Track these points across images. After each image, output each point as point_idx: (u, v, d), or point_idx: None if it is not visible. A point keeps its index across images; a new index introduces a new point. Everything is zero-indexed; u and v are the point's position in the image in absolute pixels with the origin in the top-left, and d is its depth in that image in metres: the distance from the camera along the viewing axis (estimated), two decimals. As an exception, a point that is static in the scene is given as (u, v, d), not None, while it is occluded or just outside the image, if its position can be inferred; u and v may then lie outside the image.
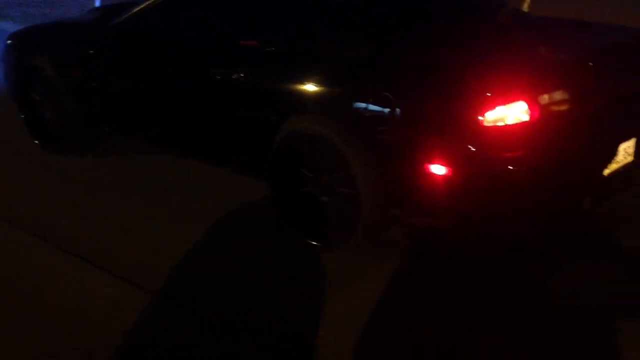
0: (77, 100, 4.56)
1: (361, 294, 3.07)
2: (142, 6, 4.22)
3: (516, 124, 2.87)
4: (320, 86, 3.30)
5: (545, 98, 2.93)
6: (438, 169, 2.95)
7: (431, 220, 3.34)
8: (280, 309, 2.96)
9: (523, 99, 2.86)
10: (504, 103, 2.84)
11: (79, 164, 4.72)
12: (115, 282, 3.17)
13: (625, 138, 3.20)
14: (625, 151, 3.22)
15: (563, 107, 2.99)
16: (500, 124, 2.86)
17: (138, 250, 3.49)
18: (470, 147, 2.88)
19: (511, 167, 2.86)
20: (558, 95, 2.98)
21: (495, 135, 2.86)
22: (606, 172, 3.15)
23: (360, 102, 3.13)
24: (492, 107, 2.84)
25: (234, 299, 3.05)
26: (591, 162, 3.11)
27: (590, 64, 3.14)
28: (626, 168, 3.28)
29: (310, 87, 3.32)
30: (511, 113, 2.86)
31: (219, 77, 3.67)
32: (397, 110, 3.02)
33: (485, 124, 2.85)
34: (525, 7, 6.02)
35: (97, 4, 8.27)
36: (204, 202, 4.06)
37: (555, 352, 2.64)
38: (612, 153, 3.14)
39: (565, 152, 2.97)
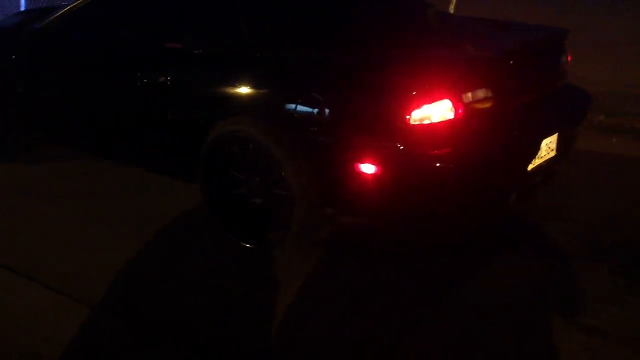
0: (2, 107, 4.42)
1: (296, 294, 3.07)
2: (65, 9, 4.13)
3: (441, 121, 2.92)
4: (248, 88, 3.29)
5: (469, 96, 2.99)
6: (368, 168, 2.98)
7: (363, 218, 3.36)
8: (216, 312, 2.93)
9: (447, 97, 2.92)
10: (429, 101, 2.89)
11: (8, 171, 4.59)
12: (44, 291, 3.09)
13: (548, 134, 3.30)
14: (547, 146, 3.32)
15: (486, 105, 3.07)
16: (426, 122, 2.91)
17: (68, 259, 3.40)
18: (398, 145, 2.91)
19: (438, 165, 2.91)
20: (481, 93, 3.05)
21: (421, 134, 2.91)
22: (530, 167, 3.25)
23: (290, 103, 3.13)
24: (418, 106, 2.88)
25: (166, 304, 3.00)
26: (516, 158, 3.20)
27: (512, 62, 3.24)
28: (549, 163, 3.39)
29: (238, 90, 3.31)
30: (436, 111, 2.91)
31: (145, 81, 3.62)
32: (326, 110, 3.03)
33: (412, 122, 2.89)
34: (451, 9, 6.15)
35: (22, 8, 8.00)
36: (137, 207, 3.99)
37: (487, 351, 2.68)
38: (536, 149, 3.23)
39: (490, 149, 3.04)
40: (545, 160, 3.35)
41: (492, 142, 3.05)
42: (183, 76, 3.56)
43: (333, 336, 2.76)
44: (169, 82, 3.54)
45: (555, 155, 3.42)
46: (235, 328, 2.83)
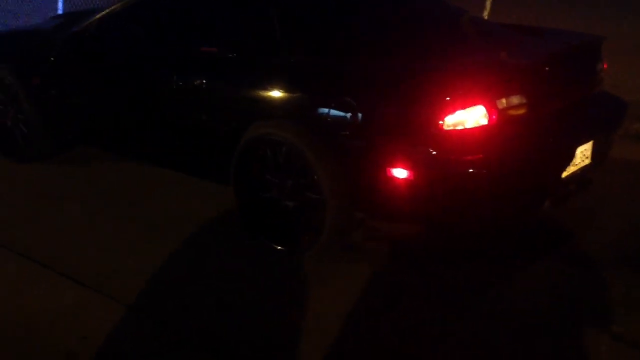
0: (37, 109, 4.53)
1: (327, 300, 3.08)
2: (102, 13, 4.21)
3: (475, 127, 2.93)
4: (282, 92, 3.32)
5: (503, 102, 2.98)
6: (400, 173, 2.98)
7: (395, 223, 3.36)
8: (245, 318, 2.95)
9: (481, 103, 2.91)
10: (463, 107, 2.90)
11: (42, 173, 4.67)
12: (78, 289, 3.16)
13: (583, 141, 3.27)
14: (582, 154, 3.29)
15: (520, 111, 3.05)
16: (459, 127, 2.91)
17: (101, 258, 3.46)
18: (431, 150, 2.92)
19: (471, 170, 2.91)
20: (515, 99, 3.04)
21: (455, 139, 2.91)
22: (564, 174, 3.22)
23: (323, 107, 3.15)
24: (452, 111, 2.89)
25: (198, 308, 3.03)
26: (549, 165, 3.17)
27: (547, 68, 3.22)
28: (583, 170, 3.36)
29: (272, 94, 3.34)
30: (470, 117, 2.91)
31: (181, 84, 3.67)
32: (359, 115, 3.04)
33: (445, 127, 2.89)
34: (485, 15, 6.12)
35: (59, 11, 8.16)
36: (168, 209, 4.05)
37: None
38: (570, 156, 3.21)
39: (523, 155, 3.02)
40: (580, 168, 3.32)
41: (525, 149, 3.03)
42: (218, 80, 3.60)
43: (348, 342, 2.77)
44: (204, 86, 3.59)
45: (590, 163, 3.38)
46: (262, 336, 2.83)
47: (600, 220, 3.75)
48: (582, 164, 3.33)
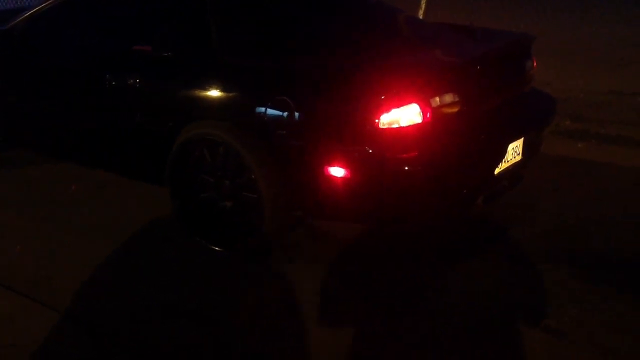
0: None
1: (265, 298, 3.07)
2: (32, 11, 4.09)
3: (410, 125, 2.96)
4: (218, 92, 3.28)
5: (436, 100, 3.03)
6: (337, 171, 3.00)
7: (334, 222, 3.38)
8: (182, 323, 2.91)
9: (415, 102, 2.95)
10: (397, 105, 2.93)
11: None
12: (9, 296, 3.06)
13: (514, 138, 3.36)
14: (514, 150, 3.38)
15: (454, 109, 3.11)
16: (394, 125, 2.94)
17: (34, 265, 3.37)
18: (367, 148, 2.94)
19: (407, 168, 2.94)
20: (448, 97, 3.09)
21: (390, 137, 2.94)
22: (497, 171, 3.30)
23: (259, 107, 3.13)
24: (387, 110, 2.91)
25: (134, 314, 2.97)
26: (482, 161, 3.24)
27: (479, 67, 3.28)
28: (515, 167, 3.45)
29: (208, 93, 3.31)
30: (405, 115, 2.95)
31: (113, 83, 3.60)
32: (296, 114, 3.04)
33: (381, 126, 2.92)
34: (420, 14, 6.21)
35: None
36: (105, 212, 3.96)
37: (447, 355, 2.70)
38: (502, 153, 3.29)
39: (457, 153, 3.08)
40: (512, 164, 3.41)
41: (459, 146, 3.09)
42: (152, 79, 3.54)
43: (284, 340, 2.77)
44: (137, 85, 3.52)
45: (521, 159, 3.48)
46: (193, 338, 2.81)
47: (531, 215, 3.85)
48: (514, 161, 3.42)
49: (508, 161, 3.36)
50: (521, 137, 3.41)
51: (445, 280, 3.24)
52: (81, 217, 3.91)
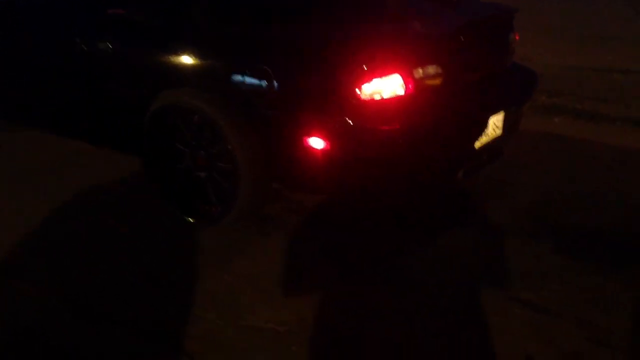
0: None
1: (240, 271, 3.01)
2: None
3: (392, 97, 2.90)
4: (195, 59, 3.17)
5: (419, 72, 2.97)
6: (317, 143, 2.92)
7: (313, 194, 3.32)
8: (153, 291, 2.85)
9: (398, 72, 2.89)
10: (379, 76, 2.86)
11: None
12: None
13: (495, 112, 3.32)
14: (494, 124, 3.34)
15: (436, 81, 3.05)
16: (376, 97, 2.87)
17: (6, 235, 3.27)
18: (347, 120, 2.86)
19: (388, 140, 2.89)
20: (431, 69, 3.03)
21: (371, 109, 2.87)
22: (477, 145, 3.26)
23: (237, 75, 3.03)
24: (368, 80, 2.84)
25: (103, 283, 2.90)
26: (463, 135, 3.20)
27: (462, 38, 3.22)
28: (495, 141, 3.41)
29: (184, 60, 3.19)
30: (387, 86, 2.88)
31: (85, 48, 3.47)
32: (275, 83, 2.95)
33: (362, 97, 2.85)
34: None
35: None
36: (75, 181, 3.86)
37: (425, 327, 2.67)
38: (483, 126, 3.25)
39: (438, 126, 3.03)
40: (492, 139, 3.37)
41: (440, 119, 3.04)
42: (125, 44, 3.42)
43: (262, 316, 2.72)
44: (110, 50, 3.40)
45: (501, 134, 3.44)
46: (172, 308, 2.75)
47: (510, 190, 3.84)
48: (494, 135, 3.38)
49: (488, 135, 3.32)
50: (502, 111, 3.36)
51: (423, 252, 3.21)
52: (56, 187, 3.80)
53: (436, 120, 3.02)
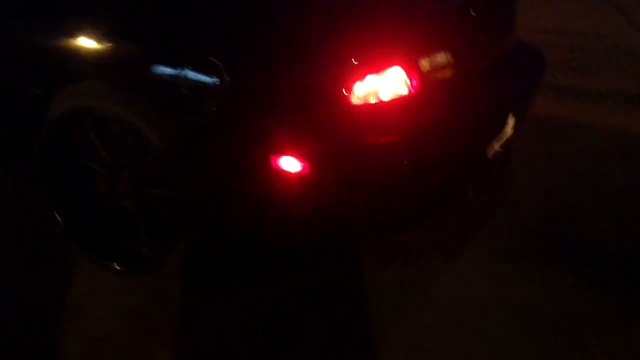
0: None
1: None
2: None
3: (392, 98, 2.09)
4: (109, 43, 2.26)
5: (426, 62, 2.18)
6: (290, 164, 2.07)
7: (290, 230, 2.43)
8: None
9: (399, 64, 2.09)
10: (375, 71, 2.05)
11: None
12: None
13: (514, 107, 2.56)
14: (509, 124, 2.59)
15: (446, 73, 2.27)
16: (371, 99, 2.07)
17: None
18: (333, 132, 2.06)
19: (389, 158, 2.09)
20: (440, 57, 2.24)
21: (365, 115, 2.07)
22: (490, 152, 2.51)
23: (175, 69, 2.14)
24: (361, 77, 2.04)
25: None
26: (478, 141, 2.43)
27: (473, 12, 2.44)
28: (507, 144, 2.66)
29: (92, 44, 2.27)
30: (384, 84, 2.08)
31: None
32: (228, 81, 2.08)
33: (353, 100, 2.04)
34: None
35: None
36: None
37: None
38: (501, 128, 2.49)
39: (452, 133, 2.24)
40: (505, 141, 2.62)
41: (453, 124, 2.26)
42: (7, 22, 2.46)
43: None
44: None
45: (512, 134, 2.68)
46: None
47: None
48: (507, 136, 2.63)
49: (502, 138, 2.56)
50: (520, 105, 2.62)
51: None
52: None
53: (449, 127, 2.23)
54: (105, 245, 2.51)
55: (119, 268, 2.47)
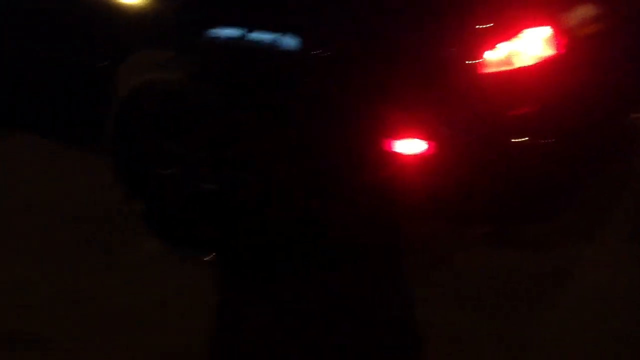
0: None
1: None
2: None
3: (533, 64, 1.78)
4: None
5: (571, 19, 1.84)
6: (409, 146, 1.79)
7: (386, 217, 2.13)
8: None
9: (549, 24, 1.77)
10: (510, 36, 1.76)
11: None
12: None
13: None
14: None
15: (592, 33, 1.92)
16: (506, 67, 1.76)
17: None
18: (459, 109, 1.78)
19: (534, 135, 1.80)
20: (583, 10, 1.89)
21: (501, 84, 1.77)
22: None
23: (265, 33, 1.83)
24: (492, 46, 1.75)
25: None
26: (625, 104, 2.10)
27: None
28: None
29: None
30: (525, 47, 1.78)
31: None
32: (329, 49, 1.76)
33: (484, 70, 1.75)
34: None
35: None
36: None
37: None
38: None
39: (600, 97, 1.94)
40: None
41: (602, 87, 1.95)
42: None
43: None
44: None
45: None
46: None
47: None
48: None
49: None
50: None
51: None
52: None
53: (596, 90, 1.93)
54: (187, 233, 2.24)
55: (208, 259, 2.20)
